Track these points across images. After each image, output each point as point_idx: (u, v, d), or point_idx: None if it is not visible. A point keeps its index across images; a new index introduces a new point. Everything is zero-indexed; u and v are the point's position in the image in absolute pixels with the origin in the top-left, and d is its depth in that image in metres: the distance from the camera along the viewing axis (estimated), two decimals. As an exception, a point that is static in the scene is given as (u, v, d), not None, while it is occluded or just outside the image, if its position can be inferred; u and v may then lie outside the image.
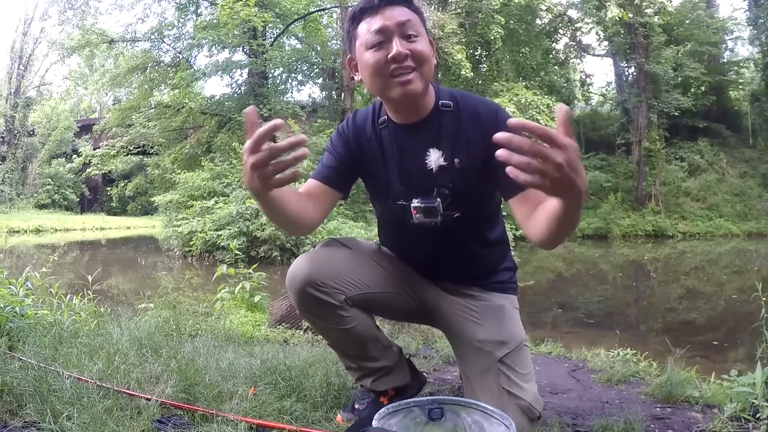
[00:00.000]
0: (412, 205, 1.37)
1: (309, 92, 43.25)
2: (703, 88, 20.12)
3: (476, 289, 1.48)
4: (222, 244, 10.14)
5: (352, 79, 1.40)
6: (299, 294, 1.39)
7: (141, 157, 23.62)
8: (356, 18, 1.30)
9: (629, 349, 2.57)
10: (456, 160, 1.34)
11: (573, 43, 21.81)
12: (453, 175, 1.35)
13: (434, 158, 1.35)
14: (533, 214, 1.15)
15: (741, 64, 21.21)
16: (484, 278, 1.49)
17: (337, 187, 1.43)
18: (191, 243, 10.91)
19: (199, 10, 18.36)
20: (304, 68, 18.83)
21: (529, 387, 1.35)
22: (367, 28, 1.27)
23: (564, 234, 1.08)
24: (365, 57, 1.28)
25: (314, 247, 1.52)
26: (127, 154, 19.83)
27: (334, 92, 17.57)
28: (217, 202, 11.33)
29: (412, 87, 1.25)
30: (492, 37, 15.57)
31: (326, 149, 1.48)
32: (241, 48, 16.82)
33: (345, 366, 1.63)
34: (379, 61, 1.25)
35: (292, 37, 18.95)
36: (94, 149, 20.24)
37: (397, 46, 1.23)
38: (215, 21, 15.54)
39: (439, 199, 1.35)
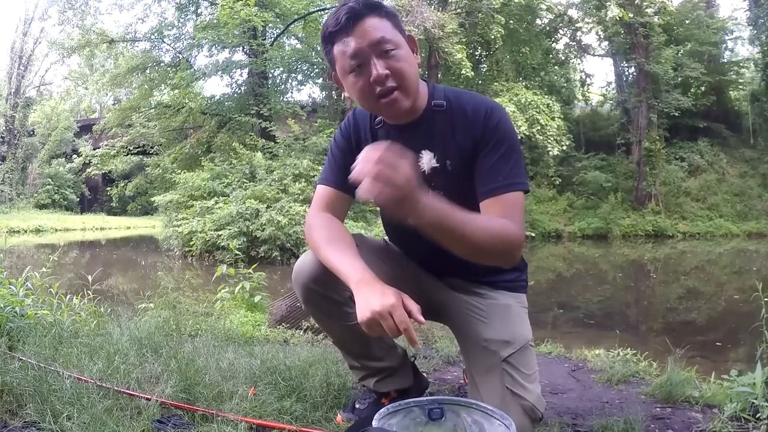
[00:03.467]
0: None
1: (309, 92, 43.16)
2: (703, 88, 20.10)
3: (485, 288, 1.46)
4: (222, 244, 10.14)
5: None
6: (305, 290, 1.39)
7: (141, 157, 23.58)
8: (329, 40, 1.26)
9: (629, 349, 2.57)
10: (448, 162, 1.33)
11: (573, 43, 21.79)
12: (446, 177, 1.34)
13: (426, 160, 1.34)
14: None
15: (741, 64, 21.18)
16: (490, 276, 1.48)
17: (350, 191, 1.40)
18: (191, 243, 10.91)
19: (199, 10, 18.36)
20: (304, 68, 18.81)
21: (532, 387, 1.34)
22: (342, 51, 1.23)
23: (454, 248, 1.17)
24: (348, 81, 1.26)
25: None
26: (127, 154, 19.82)
27: (334, 92, 17.55)
28: (217, 202, 11.33)
29: (398, 105, 1.25)
30: (492, 37, 15.57)
31: (330, 151, 1.47)
32: (241, 48, 16.82)
33: (348, 365, 1.62)
34: (363, 87, 1.23)
35: (292, 37, 18.94)
36: (94, 149, 20.25)
37: (375, 69, 1.20)
38: (215, 21, 15.55)
39: None
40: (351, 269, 1.17)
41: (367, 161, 0.97)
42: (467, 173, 1.32)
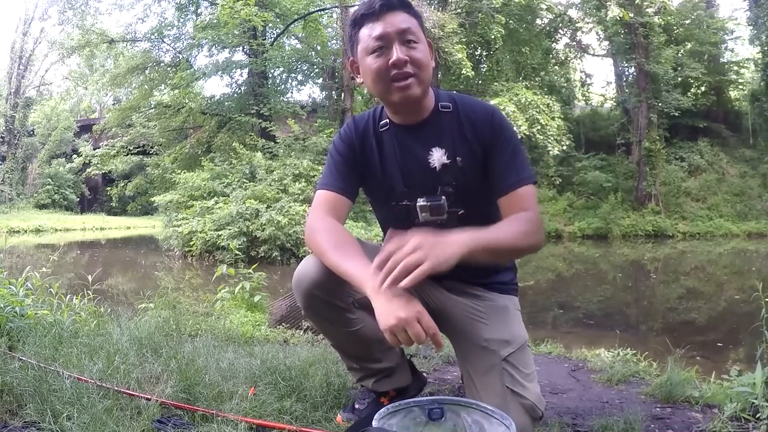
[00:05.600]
0: (417, 204, 1.39)
1: (309, 92, 43.26)
2: (703, 88, 20.09)
3: (480, 289, 1.48)
4: (222, 244, 10.14)
5: (353, 79, 1.44)
6: (306, 295, 1.39)
7: (141, 157, 23.60)
8: (358, 23, 1.35)
9: (629, 349, 2.57)
10: (458, 158, 1.37)
11: (573, 43, 21.79)
12: (456, 172, 1.38)
13: (437, 156, 1.38)
14: None
15: (741, 64, 21.16)
16: (486, 277, 1.49)
17: (351, 196, 1.44)
18: (191, 243, 10.92)
19: (199, 10, 18.38)
20: (304, 68, 18.84)
21: (532, 386, 1.35)
22: (368, 34, 1.31)
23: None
24: (367, 62, 1.33)
25: None
26: (127, 154, 19.84)
27: (334, 92, 17.56)
28: (217, 202, 11.34)
29: (411, 92, 1.31)
30: (492, 37, 15.56)
31: (330, 156, 1.47)
32: (241, 48, 16.83)
33: (347, 366, 1.63)
34: (381, 67, 1.30)
35: (292, 37, 18.95)
36: (94, 149, 20.24)
37: (397, 52, 1.28)
38: (215, 21, 15.55)
39: (443, 197, 1.38)
40: (366, 273, 1.16)
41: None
42: (476, 169, 1.38)
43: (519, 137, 1.50)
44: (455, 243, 1.11)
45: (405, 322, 1.04)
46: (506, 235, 1.24)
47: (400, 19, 1.30)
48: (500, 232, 1.24)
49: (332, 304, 1.39)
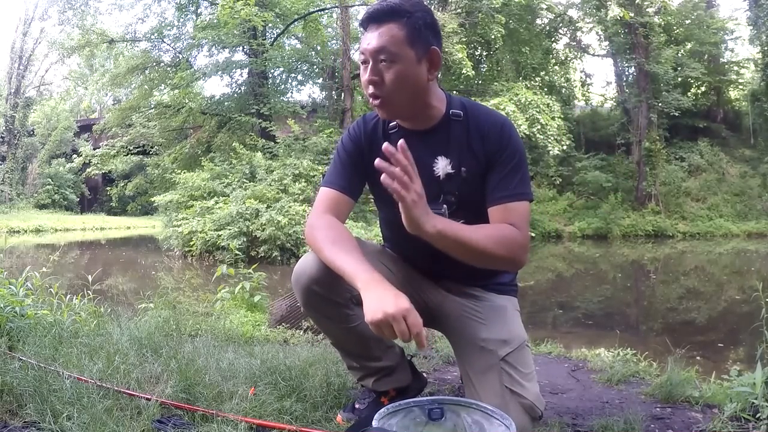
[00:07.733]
0: None
1: (309, 92, 43.24)
2: (703, 88, 20.11)
3: (478, 290, 1.48)
4: (222, 244, 10.14)
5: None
6: (305, 291, 1.39)
7: (141, 157, 23.57)
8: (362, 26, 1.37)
9: (629, 349, 2.58)
10: (463, 168, 1.37)
11: (573, 43, 21.79)
12: (459, 182, 1.37)
13: (442, 166, 1.38)
14: None
15: (741, 64, 21.17)
16: (486, 279, 1.50)
17: (354, 195, 1.45)
18: (191, 243, 10.92)
19: (199, 10, 18.35)
20: (304, 68, 18.81)
21: (531, 386, 1.35)
22: (361, 44, 1.35)
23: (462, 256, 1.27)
24: (361, 70, 1.36)
25: None
26: (127, 154, 19.83)
27: (334, 92, 17.53)
28: (217, 202, 11.34)
29: (379, 110, 1.35)
30: (492, 37, 15.55)
31: (337, 153, 1.48)
32: (241, 48, 16.82)
33: (347, 365, 1.63)
34: (363, 82, 1.33)
35: (292, 37, 18.94)
36: (94, 149, 20.21)
37: (366, 73, 1.30)
38: (215, 21, 15.54)
39: (445, 206, 1.37)
40: (358, 269, 1.17)
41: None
42: (479, 181, 1.37)
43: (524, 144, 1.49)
44: (433, 218, 1.16)
45: (392, 317, 1.05)
46: (482, 237, 1.24)
47: (379, 35, 1.27)
48: (478, 232, 1.24)
49: (330, 300, 1.40)
